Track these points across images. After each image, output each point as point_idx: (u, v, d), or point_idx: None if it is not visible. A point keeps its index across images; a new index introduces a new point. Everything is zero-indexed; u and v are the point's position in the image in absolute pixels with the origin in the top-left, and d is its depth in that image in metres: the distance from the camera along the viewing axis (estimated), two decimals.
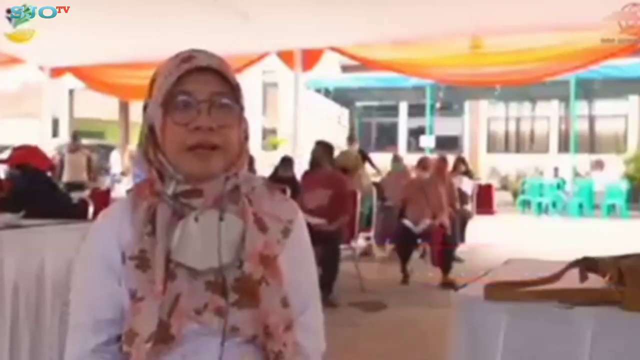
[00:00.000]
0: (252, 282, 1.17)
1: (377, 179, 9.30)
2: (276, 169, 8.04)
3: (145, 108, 1.23)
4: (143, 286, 1.15)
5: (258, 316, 1.18)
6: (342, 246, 5.90)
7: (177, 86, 1.17)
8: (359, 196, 6.31)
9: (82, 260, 1.24)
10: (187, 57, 1.19)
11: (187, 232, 1.16)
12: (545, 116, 21.75)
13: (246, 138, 1.25)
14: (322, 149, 6.17)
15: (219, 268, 1.16)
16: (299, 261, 1.28)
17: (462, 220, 8.35)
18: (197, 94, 1.16)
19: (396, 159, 9.91)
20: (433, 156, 9.33)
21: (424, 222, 6.58)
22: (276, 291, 1.19)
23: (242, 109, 1.22)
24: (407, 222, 6.66)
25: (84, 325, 1.19)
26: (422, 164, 7.24)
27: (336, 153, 6.96)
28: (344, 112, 19.60)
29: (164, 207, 1.18)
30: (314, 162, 6.15)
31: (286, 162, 8.01)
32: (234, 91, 1.20)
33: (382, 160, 12.23)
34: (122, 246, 1.18)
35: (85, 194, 6.99)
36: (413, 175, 7.25)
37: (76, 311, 1.22)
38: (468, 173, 9.38)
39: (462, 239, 8.49)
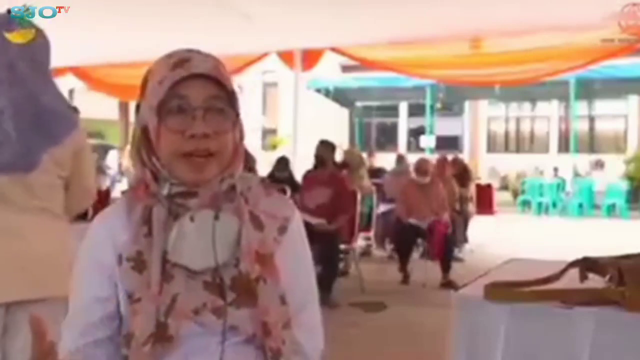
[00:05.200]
0: (249, 281, 1.18)
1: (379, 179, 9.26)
2: (273, 170, 8.01)
3: (137, 108, 1.22)
4: (140, 288, 1.15)
5: (257, 314, 1.18)
6: (342, 246, 5.90)
7: (171, 90, 1.15)
8: (359, 196, 6.31)
9: (77, 264, 1.25)
10: (181, 60, 1.16)
11: (182, 232, 1.15)
12: (545, 116, 21.72)
13: (241, 139, 1.23)
14: (325, 148, 6.19)
15: (215, 268, 1.16)
16: (295, 259, 1.28)
17: (464, 221, 8.33)
18: (192, 100, 1.15)
19: (399, 160, 9.89)
20: (432, 157, 9.27)
21: (428, 218, 6.58)
22: (273, 289, 1.19)
23: (237, 114, 1.19)
24: (412, 220, 6.65)
25: (74, 325, 1.20)
26: (421, 168, 7.03)
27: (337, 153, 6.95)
28: (344, 112, 19.58)
29: (159, 207, 1.18)
30: (319, 161, 6.17)
31: (282, 163, 7.98)
32: (229, 96, 1.18)
33: (382, 160, 12.24)
34: (117, 248, 1.18)
35: None
36: (413, 175, 7.20)
37: (70, 311, 1.23)
38: (463, 176, 9.00)
39: (466, 239, 8.48)
